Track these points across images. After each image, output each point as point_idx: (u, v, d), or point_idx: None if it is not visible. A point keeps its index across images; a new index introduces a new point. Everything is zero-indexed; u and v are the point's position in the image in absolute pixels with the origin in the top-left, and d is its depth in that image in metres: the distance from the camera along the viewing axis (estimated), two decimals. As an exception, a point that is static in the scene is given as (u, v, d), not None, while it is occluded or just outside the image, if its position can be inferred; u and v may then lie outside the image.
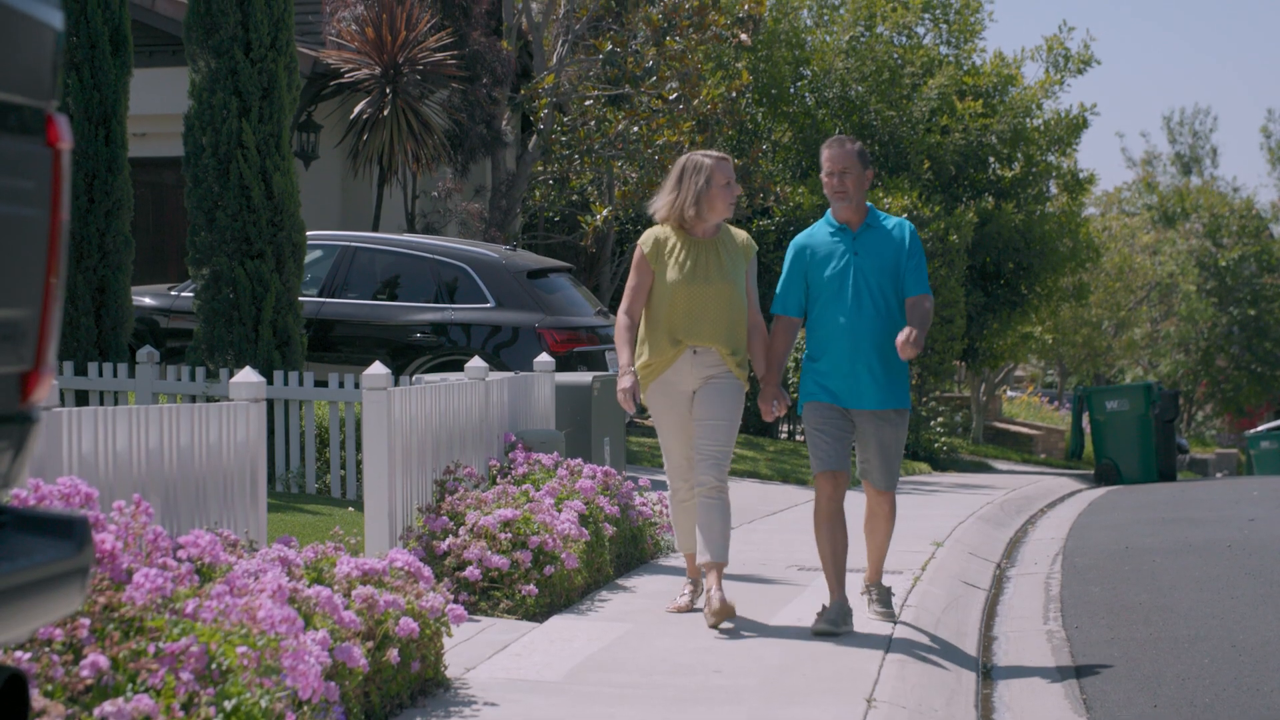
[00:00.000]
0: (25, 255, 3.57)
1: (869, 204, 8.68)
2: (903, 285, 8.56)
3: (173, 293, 15.84)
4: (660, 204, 8.73)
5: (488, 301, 15.14)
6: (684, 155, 8.77)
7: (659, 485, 14.77)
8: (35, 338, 3.62)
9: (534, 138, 21.77)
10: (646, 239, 8.69)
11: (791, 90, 28.40)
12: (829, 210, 8.68)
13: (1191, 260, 47.46)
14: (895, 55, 28.64)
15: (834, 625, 8.39)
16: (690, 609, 8.89)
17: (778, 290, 8.71)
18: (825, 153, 8.63)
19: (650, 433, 22.06)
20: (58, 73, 3.78)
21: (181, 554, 6.32)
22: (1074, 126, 29.87)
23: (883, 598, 8.97)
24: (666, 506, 11.22)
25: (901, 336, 8.23)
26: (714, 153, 8.70)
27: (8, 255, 3.49)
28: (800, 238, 8.72)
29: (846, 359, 8.49)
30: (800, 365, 8.89)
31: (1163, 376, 48.21)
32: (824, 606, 8.53)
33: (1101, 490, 23.17)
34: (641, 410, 13.72)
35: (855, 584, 9.59)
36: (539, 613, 8.73)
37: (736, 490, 16.54)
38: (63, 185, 3.73)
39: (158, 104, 19.39)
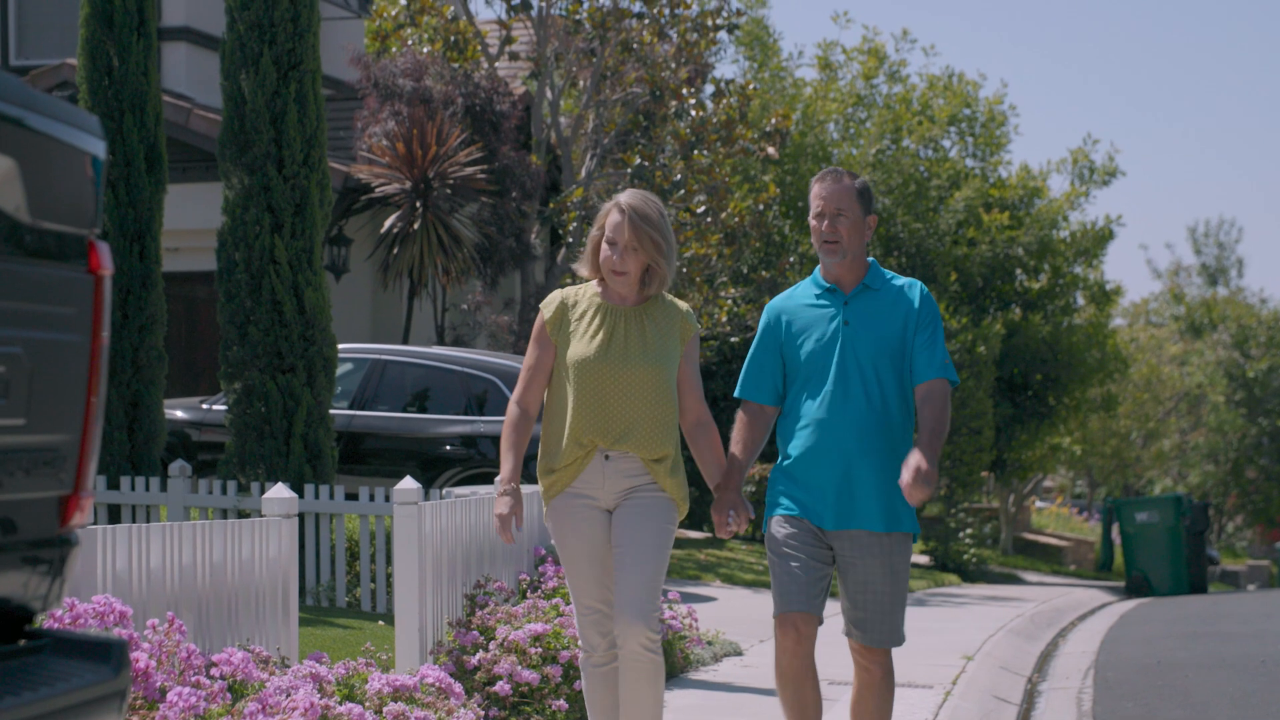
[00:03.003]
0: (66, 381, 3.62)
1: (871, 260, 6.68)
2: (910, 365, 6.56)
3: (205, 406, 15.92)
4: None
5: (517, 414, 15.17)
6: None
7: (689, 598, 14.73)
8: (75, 462, 3.67)
9: (563, 250, 21.90)
10: (550, 301, 6.68)
11: (819, 202, 28.55)
12: (816, 268, 6.73)
13: (1220, 371, 47.36)
14: (921, 168, 28.79)
15: None
16: None
17: (744, 369, 6.74)
18: (815, 188, 6.62)
19: (682, 542, 22.01)
20: (100, 201, 3.85)
21: (214, 672, 6.34)
22: (1100, 238, 29.96)
23: None
24: (695, 619, 11.16)
25: (906, 474, 6.26)
26: (629, 198, 6.58)
27: (48, 382, 3.55)
28: (776, 301, 6.75)
29: (830, 464, 6.47)
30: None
31: (1192, 488, 47.99)
32: None
33: (1132, 602, 23.04)
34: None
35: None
36: (569, 729, 8.70)
37: (762, 604, 16.46)
38: (104, 311, 3.79)
39: (191, 219, 19.57)
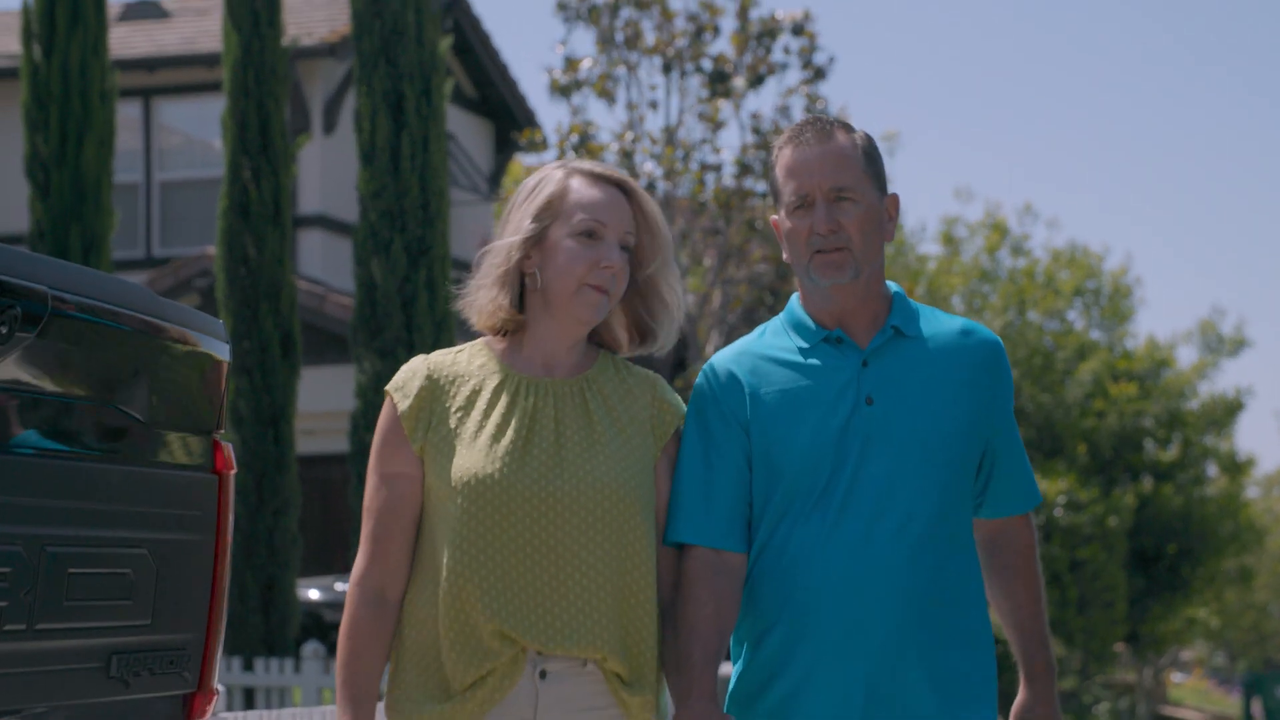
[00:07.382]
0: (190, 581, 3.77)
1: (893, 286, 3.58)
2: (983, 484, 3.53)
3: (338, 587, 16.10)
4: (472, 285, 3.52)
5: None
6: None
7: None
8: (199, 660, 3.79)
9: (689, 427, 22.02)
10: (407, 379, 3.48)
11: (945, 375, 28.59)
12: (793, 298, 3.58)
13: (1361, 541, 46.47)
14: (1047, 340, 28.79)
15: None
16: None
17: (679, 489, 3.49)
18: (786, 154, 3.48)
19: None
20: (225, 401, 4.03)
21: None
22: (1231, 409, 29.74)
23: None
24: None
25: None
26: (586, 164, 3.44)
27: (173, 582, 3.70)
28: (728, 356, 3.56)
29: (847, 673, 3.41)
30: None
31: (1337, 660, 46.94)
32: None
33: (1274, 780, 22.55)
34: None
35: None
36: None
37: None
38: (228, 510, 3.95)
39: (325, 401, 19.88)
